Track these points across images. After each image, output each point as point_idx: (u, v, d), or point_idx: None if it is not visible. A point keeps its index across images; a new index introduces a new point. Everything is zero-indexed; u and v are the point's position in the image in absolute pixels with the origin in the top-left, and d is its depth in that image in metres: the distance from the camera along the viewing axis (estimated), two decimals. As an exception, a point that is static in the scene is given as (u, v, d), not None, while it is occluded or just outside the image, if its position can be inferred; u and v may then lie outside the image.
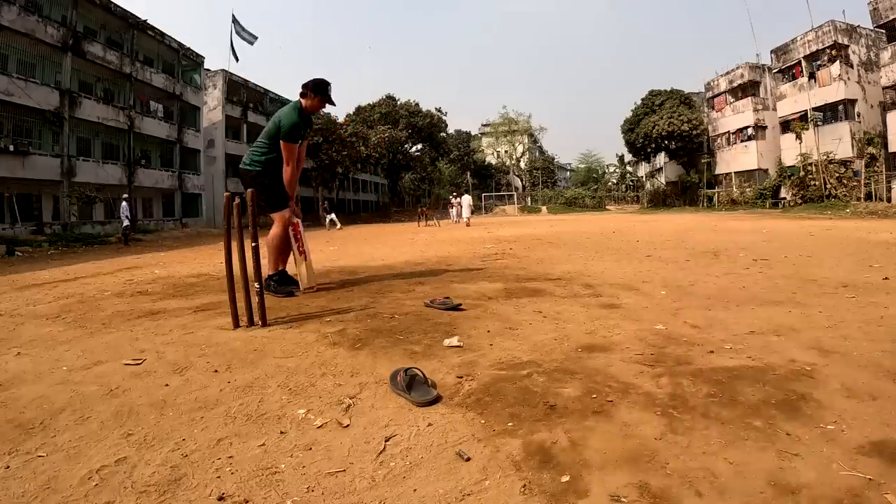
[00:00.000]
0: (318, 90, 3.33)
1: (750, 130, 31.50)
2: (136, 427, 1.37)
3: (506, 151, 55.58)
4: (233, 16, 29.34)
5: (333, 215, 20.53)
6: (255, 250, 2.47)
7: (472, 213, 23.96)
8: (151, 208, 25.44)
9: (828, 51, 25.43)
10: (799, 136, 26.13)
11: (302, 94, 3.35)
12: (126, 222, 14.78)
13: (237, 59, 30.90)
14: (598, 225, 14.45)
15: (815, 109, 25.93)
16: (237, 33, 29.30)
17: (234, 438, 1.29)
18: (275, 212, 3.41)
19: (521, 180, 55.83)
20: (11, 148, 16.79)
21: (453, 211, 26.30)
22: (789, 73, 28.22)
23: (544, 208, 44.09)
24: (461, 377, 1.67)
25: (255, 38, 30.24)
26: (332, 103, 3.38)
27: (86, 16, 21.39)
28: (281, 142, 3.28)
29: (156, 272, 5.46)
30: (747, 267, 4.20)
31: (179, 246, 12.36)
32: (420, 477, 1.09)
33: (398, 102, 41.56)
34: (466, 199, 22.23)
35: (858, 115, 24.77)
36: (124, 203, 15.17)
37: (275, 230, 3.41)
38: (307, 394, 1.58)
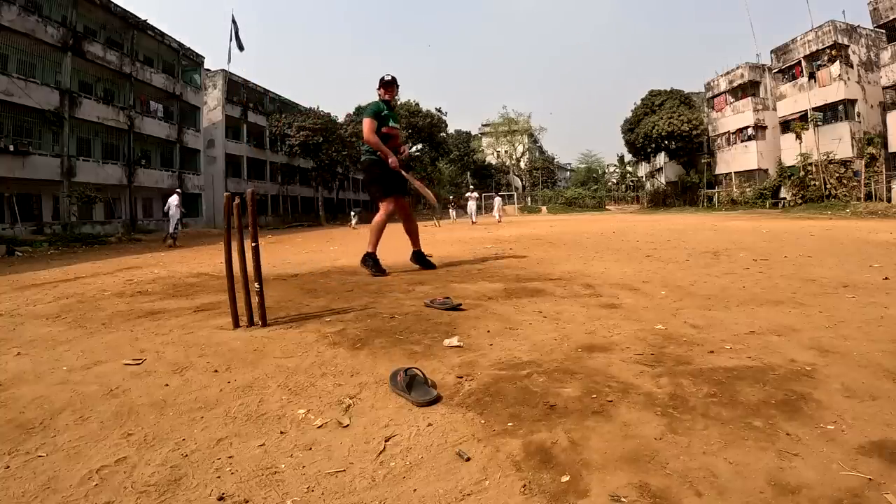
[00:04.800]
0: (380, 84, 4.33)
1: (750, 130, 31.51)
2: (136, 427, 1.37)
3: (506, 151, 55.53)
4: (232, 16, 29.40)
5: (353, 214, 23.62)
6: (255, 250, 2.47)
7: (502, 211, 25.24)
8: (151, 208, 25.46)
9: (828, 51, 25.44)
10: (799, 136, 26.13)
11: (378, 89, 4.36)
12: (175, 226, 12.68)
13: (229, 60, 30.91)
14: (597, 225, 14.45)
15: (815, 109, 25.93)
16: (234, 36, 29.46)
17: (234, 438, 1.29)
18: (381, 200, 4.29)
19: (521, 180, 55.83)
20: (11, 148, 16.81)
21: (453, 213, 26.33)
22: (789, 73, 28.22)
23: (544, 208, 44.14)
24: (461, 377, 1.67)
25: (242, 48, 30.80)
26: (384, 83, 4.31)
27: (86, 16, 21.41)
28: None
29: (156, 272, 5.46)
30: (747, 267, 4.20)
31: (179, 246, 12.36)
32: (420, 477, 1.09)
33: (398, 102, 41.53)
34: (498, 201, 24.57)
35: (858, 115, 24.78)
36: (176, 197, 13.01)
37: (379, 216, 4.31)
38: (307, 394, 1.58)
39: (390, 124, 4.27)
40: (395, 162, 4.16)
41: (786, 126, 28.01)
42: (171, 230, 12.74)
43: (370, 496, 1.02)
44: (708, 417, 1.32)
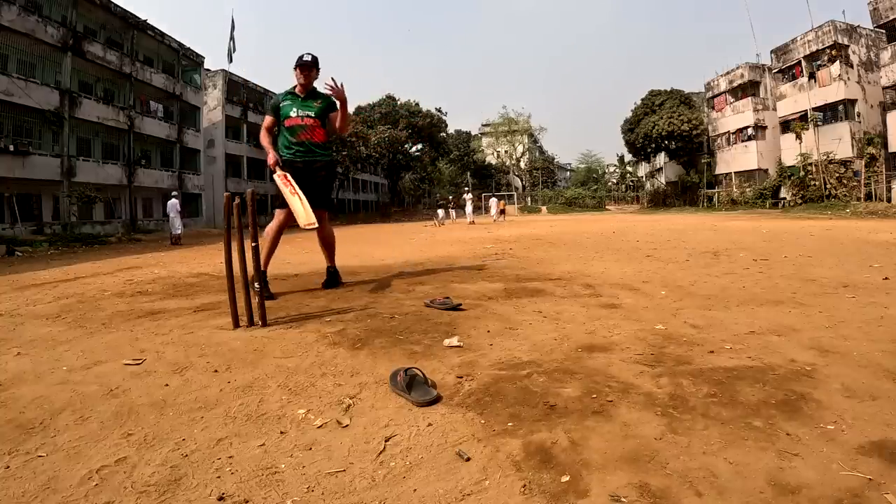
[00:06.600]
0: (295, 65, 3.68)
1: (750, 130, 31.49)
2: (136, 427, 1.37)
3: (506, 151, 55.51)
4: (232, 19, 29.42)
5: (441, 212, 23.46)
6: (255, 250, 2.47)
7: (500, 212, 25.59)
8: (151, 208, 25.44)
9: (828, 51, 25.42)
10: (799, 136, 26.13)
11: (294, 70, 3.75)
12: (177, 228, 13.44)
13: (230, 61, 30.86)
14: (597, 225, 14.45)
15: (815, 109, 25.92)
16: (231, 38, 29.51)
17: (234, 438, 1.29)
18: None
19: (521, 180, 55.81)
20: (11, 148, 16.79)
21: (452, 212, 26.46)
22: (789, 73, 28.21)
23: (544, 208, 44.13)
24: (461, 377, 1.67)
25: (234, 51, 30.87)
26: (297, 63, 3.67)
27: (86, 16, 21.38)
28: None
29: (156, 272, 5.46)
30: (747, 267, 4.20)
31: (180, 245, 12.36)
32: (420, 477, 1.09)
33: (398, 102, 41.53)
34: (494, 202, 24.98)
35: (858, 115, 24.76)
36: (174, 201, 13.82)
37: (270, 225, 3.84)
38: (307, 394, 1.58)
39: (292, 114, 3.62)
40: (271, 160, 3.44)
41: (786, 126, 28.00)
42: (176, 231, 13.55)
43: (370, 496, 1.02)
44: (708, 417, 1.32)
